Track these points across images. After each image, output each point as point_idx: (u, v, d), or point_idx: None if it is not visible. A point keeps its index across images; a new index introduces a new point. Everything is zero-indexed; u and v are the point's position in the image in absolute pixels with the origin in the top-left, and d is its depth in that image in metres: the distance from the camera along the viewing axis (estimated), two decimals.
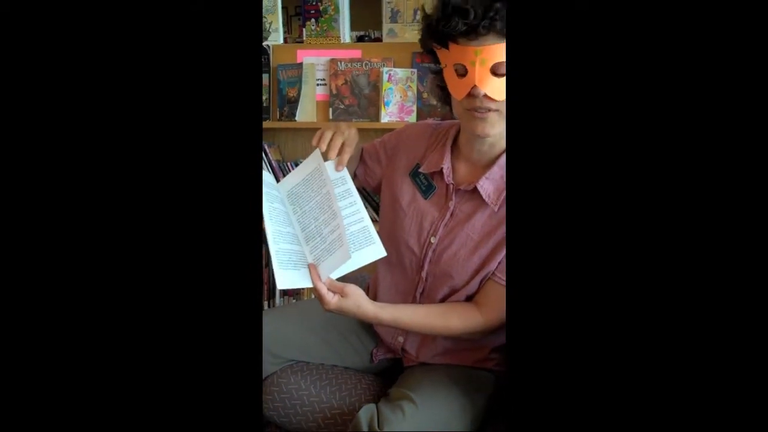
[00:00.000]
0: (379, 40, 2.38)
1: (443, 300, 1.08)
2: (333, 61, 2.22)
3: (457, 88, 0.96)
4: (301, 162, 2.34)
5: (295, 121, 2.24)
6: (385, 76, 2.14)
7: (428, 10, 0.99)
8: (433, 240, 1.07)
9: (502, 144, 1.02)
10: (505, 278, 1.00)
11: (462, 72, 0.94)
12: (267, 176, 1.03)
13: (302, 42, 2.32)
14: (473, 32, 0.90)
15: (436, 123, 1.20)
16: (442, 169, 1.07)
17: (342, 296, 0.95)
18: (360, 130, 1.10)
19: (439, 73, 1.03)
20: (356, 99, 2.21)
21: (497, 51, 0.90)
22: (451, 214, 1.06)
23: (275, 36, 2.31)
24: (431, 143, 1.13)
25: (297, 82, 2.25)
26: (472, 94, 0.94)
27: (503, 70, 0.91)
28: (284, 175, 2.26)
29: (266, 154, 2.24)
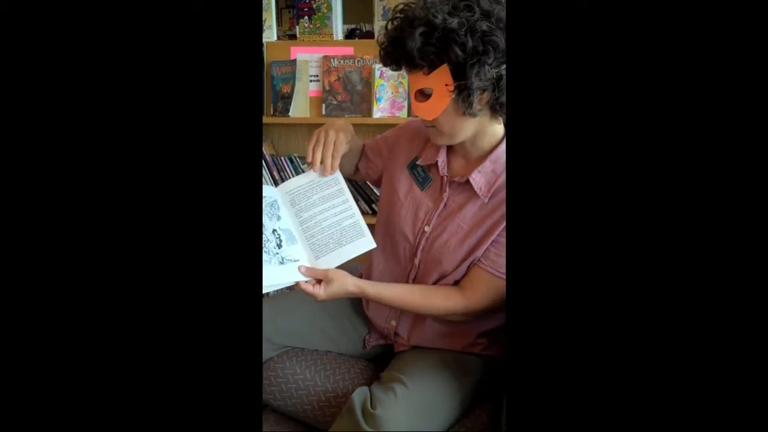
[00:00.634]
0: (370, 33, 2.41)
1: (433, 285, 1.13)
2: (326, 57, 2.25)
3: None
4: (294, 156, 2.37)
5: (289, 116, 2.28)
6: (377, 73, 2.18)
7: None
8: (426, 229, 1.12)
9: (486, 142, 1.08)
10: (488, 264, 1.05)
11: None
12: None
13: (294, 35, 2.35)
14: (392, 65, 1.01)
15: None
16: (437, 161, 1.12)
17: (327, 283, 1.03)
18: (353, 126, 1.18)
19: None
20: (349, 95, 2.25)
21: (415, 79, 1.00)
22: (445, 205, 1.11)
23: (269, 33, 2.35)
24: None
25: (291, 78, 2.28)
26: None
27: (425, 94, 1.00)
28: (278, 169, 2.30)
29: None
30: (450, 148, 1.14)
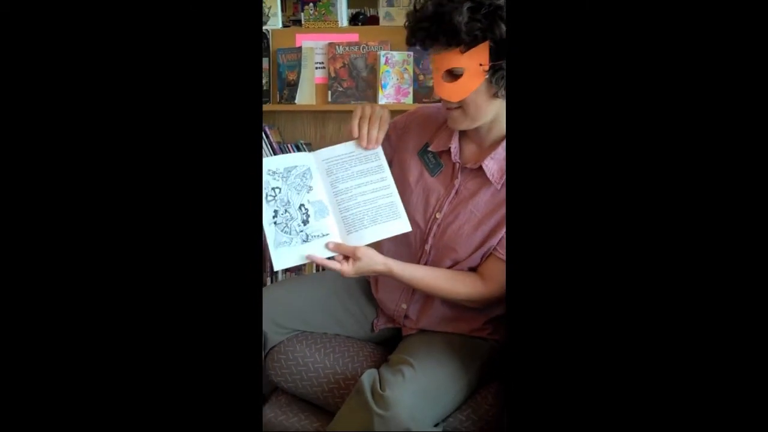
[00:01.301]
0: (374, 18, 2.41)
1: None
2: (331, 44, 2.26)
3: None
4: (300, 143, 2.38)
5: (295, 103, 2.29)
6: (382, 59, 2.18)
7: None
8: (438, 215, 1.13)
9: (501, 128, 1.08)
10: (505, 253, 1.06)
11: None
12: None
13: (298, 21, 2.35)
14: (424, 43, 0.99)
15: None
16: (450, 148, 1.13)
17: (354, 260, 1.04)
18: None
19: None
20: (354, 82, 2.26)
21: (446, 58, 0.98)
22: (456, 192, 1.12)
23: (274, 20, 2.35)
24: (441, 124, 1.19)
25: (296, 65, 2.29)
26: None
27: (454, 74, 0.99)
28: None
29: (267, 136, 2.29)
30: (462, 135, 1.14)
